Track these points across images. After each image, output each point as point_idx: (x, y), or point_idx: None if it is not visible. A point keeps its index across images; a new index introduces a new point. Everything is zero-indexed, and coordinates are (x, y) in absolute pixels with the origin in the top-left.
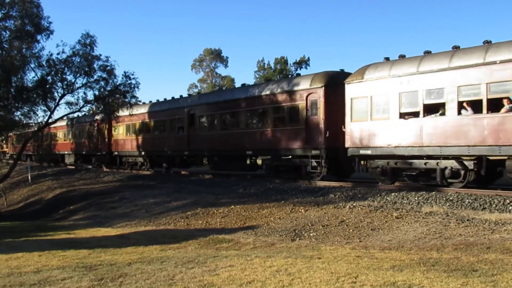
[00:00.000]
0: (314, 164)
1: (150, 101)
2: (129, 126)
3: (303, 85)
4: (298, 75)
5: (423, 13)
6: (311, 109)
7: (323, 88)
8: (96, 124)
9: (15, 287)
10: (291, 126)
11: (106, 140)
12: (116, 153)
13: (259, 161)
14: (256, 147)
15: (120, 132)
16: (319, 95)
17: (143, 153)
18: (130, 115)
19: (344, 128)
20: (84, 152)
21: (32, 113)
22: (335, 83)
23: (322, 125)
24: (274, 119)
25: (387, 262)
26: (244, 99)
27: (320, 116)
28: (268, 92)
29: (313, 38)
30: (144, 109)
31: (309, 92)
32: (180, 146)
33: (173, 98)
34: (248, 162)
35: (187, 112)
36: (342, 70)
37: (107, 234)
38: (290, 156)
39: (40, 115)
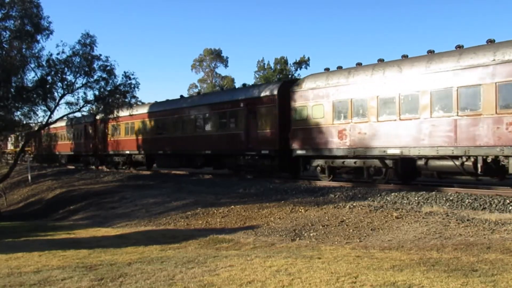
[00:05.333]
0: None
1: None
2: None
3: None
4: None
5: (423, 12)
6: None
7: None
8: (243, 104)
9: (15, 287)
10: None
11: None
12: (302, 152)
13: None
14: None
15: (318, 114)
16: None
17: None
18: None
19: None
20: (210, 152)
21: (32, 113)
22: None
23: None
24: None
25: (387, 262)
26: None
27: None
28: None
29: (313, 38)
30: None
31: None
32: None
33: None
34: None
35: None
36: None
37: (107, 234)
38: None
39: (40, 115)
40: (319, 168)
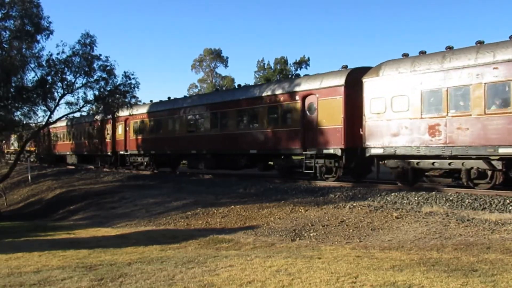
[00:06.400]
0: None
1: None
2: None
3: None
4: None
5: (423, 13)
6: None
7: None
8: (299, 97)
9: (15, 287)
10: None
11: None
12: (379, 150)
13: None
14: None
15: (401, 106)
16: None
17: None
18: None
19: None
20: (256, 151)
21: (32, 113)
22: None
23: None
24: None
25: (387, 262)
26: None
27: None
28: None
29: (313, 38)
30: None
31: None
32: None
33: None
34: None
35: None
36: None
37: (107, 234)
38: None
39: (40, 115)
40: (399, 169)
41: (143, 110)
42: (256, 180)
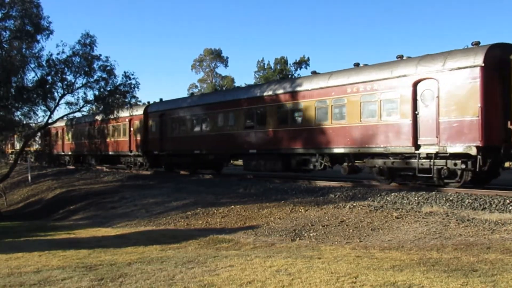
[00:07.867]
0: None
1: None
2: None
3: None
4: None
5: (423, 14)
6: None
7: None
8: (408, 82)
9: (15, 287)
10: None
11: None
12: None
13: None
14: None
15: None
16: None
17: None
18: None
19: None
20: (343, 150)
21: (32, 113)
22: None
23: None
24: None
25: (387, 262)
26: None
27: None
28: None
29: (313, 38)
30: None
31: None
32: None
33: None
34: None
35: None
36: None
37: (107, 234)
38: None
39: (40, 115)
40: None
41: (184, 103)
42: (256, 180)
